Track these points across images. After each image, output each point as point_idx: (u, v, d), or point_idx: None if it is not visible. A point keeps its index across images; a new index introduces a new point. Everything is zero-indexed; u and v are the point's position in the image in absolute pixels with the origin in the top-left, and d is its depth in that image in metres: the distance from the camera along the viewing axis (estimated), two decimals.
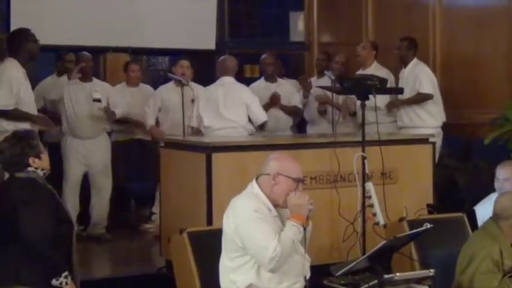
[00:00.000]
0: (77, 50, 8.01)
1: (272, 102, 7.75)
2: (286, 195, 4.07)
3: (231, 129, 6.78)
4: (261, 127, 7.03)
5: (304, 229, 4.03)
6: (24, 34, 6.18)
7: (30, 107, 6.18)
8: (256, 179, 4.18)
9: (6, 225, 4.13)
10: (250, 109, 6.93)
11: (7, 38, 6.40)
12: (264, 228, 3.98)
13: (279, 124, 7.79)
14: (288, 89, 7.99)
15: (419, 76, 7.38)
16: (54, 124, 6.78)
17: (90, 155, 7.30)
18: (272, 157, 4.21)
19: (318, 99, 8.04)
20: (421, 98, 7.35)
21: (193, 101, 7.18)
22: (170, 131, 7.38)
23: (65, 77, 7.51)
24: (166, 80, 8.11)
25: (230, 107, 6.90)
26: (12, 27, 8.09)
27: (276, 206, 4.12)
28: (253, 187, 4.15)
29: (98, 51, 9.18)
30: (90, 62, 7.41)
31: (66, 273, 4.15)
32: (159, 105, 7.57)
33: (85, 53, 7.49)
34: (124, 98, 7.74)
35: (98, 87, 7.35)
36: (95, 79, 7.50)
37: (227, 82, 7.04)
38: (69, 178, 7.26)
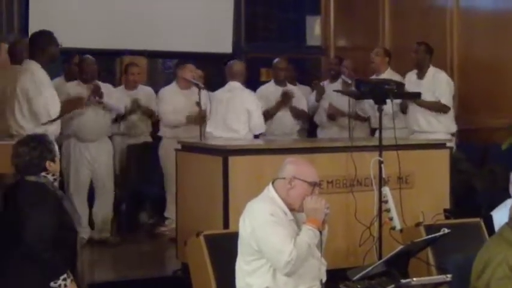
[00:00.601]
0: (94, 52, 8.03)
1: (283, 101, 7.74)
2: (302, 199, 4.06)
3: (224, 139, 6.76)
4: (257, 136, 7.08)
5: (320, 233, 4.03)
6: (48, 37, 6.16)
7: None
8: (273, 183, 4.18)
9: (13, 228, 4.16)
10: (252, 117, 6.97)
11: (29, 40, 6.38)
12: (280, 231, 3.98)
13: (286, 128, 7.82)
14: (296, 94, 8.00)
15: (441, 85, 7.32)
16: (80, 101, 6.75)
17: (94, 159, 7.26)
18: (288, 161, 4.21)
19: (330, 110, 8.02)
20: (438, 107, 7.31)
21: (198, 104, 7.16)
22: (173, 133, 7.39)
23: (71, 83, 7.44)
24: None
25: (233, 113, 6.95)
26: (31, 30, 8.14)
27: (292, 210, 4.12)
28: (270, 191, 4.15)
29: (114, 54, 9.23)
30: (94, 65, 7.36)
31: (64, 275, 4.16)
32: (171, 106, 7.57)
33: (88, 56, 7.44)
34: (120, 101, 7.63)
35: (102, 90, 7.29)
36: (98, 82, 7.42)
37: (234, 87, 7.08)
38: (76, 182, 7.20)
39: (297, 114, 7.92)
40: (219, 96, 7.10)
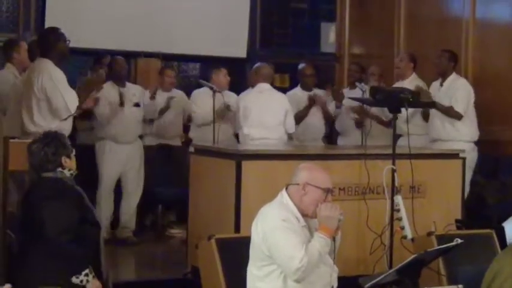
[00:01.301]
0: (109, 53, 8.08)
1: (310, 104, 7.79)
2: (316, 205, 4.05)
3: (268, 141, 6.87)
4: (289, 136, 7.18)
5: (334, 239, 4.02)
6: (56, 34, 6.15)
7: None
8: (286, 188, 4.18)
9: (34, 226, 4.17)
10: (287, 117, 7.09)
11: (38, 38, 6.39)
12: (292, 238, 3.97)
13: (313, 133, 7.85)
14: (324, 98, 8.06)
15: (458, 92, 7.29)
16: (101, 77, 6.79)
17: (127, 160, 7.35)
18: (302, 167, 4.20)
19: (354, 111, 8.02)
20: (451, 114, 7.28)
21: (228, 107, 7.24)
22: (201, 135, 7.46)
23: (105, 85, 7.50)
24: (197, 87, 8.16)
25: (270, 113, 7.04)
26: None
27: (305, 215, 4.12)
28: (283, 196, 4.14)
29: (129, 56, 9.25)
30: (125, 65, 7.46)
31: (87, 271, 4.18)
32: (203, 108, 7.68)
33: (119, 57, 7.53)
34: (157, 101, 7.81)
35: (135, 91, 7.40)
36: (128, 83, 7.53)
37: (264, 88, 7.14)
38: (106, 182, 7.31)
39: (327, 115, 8.00)
40: (251, 98, 7.16)
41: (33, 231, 4.20)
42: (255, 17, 10.04)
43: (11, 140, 4.96)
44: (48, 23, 8.49)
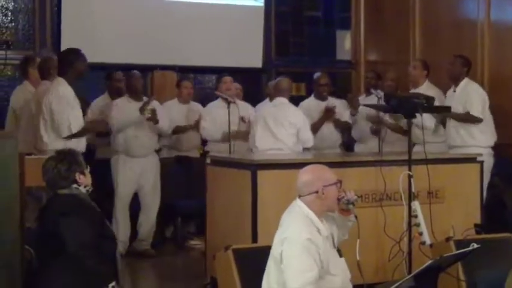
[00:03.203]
0: (125, 68, 8.12)
1: (326, 116, 7.79)
2: (336, 199, 4.10)
3: (279, 151, 6.91)
4: (306, 149, 7.21)
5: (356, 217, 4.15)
6: (75, 54, 6.24)
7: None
8: (299, 200, 4.14)
9: (52, 241, 4.19)
10: (301, 131, 7.13)
11: (58, 57, 6.47)
12: (306, 261, 3.94)
13: (329, 142, 7.86)
14: (338, 107, 8.05)
15: (471, 96, 7.25)
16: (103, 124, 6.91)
17: (142, 174, 7.38)
18: (307, 175, 4.18)
19: (369, 119, 8.00)
20: (469, 119, 7.24)
21: (242, 118, 7.27)
22: (217, 147, 7.47)
23: (121, 100, 7.50)
24: (213, 99, 8.18)
25: (281, 127, 7.09)
26: (63, 47, 8.25)
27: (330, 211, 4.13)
28: (302, 208, 4.10)
29: (145, 69, 9.30)
30: (141, 80, 7.50)
31: (113, 283, 4.19)
32: (213, 122, 7.71)
33: (135, 71, 7.56)
34: (172, 113, 7.86)
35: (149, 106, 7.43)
36: (144, 97, 7.56)
37: (280, 102, 7.23)
38: (122, 196, 7.32)
39: (341, 126, 8.00)
40: (266, 111, 7.29)
41: (52, 247, 4.22)
42: (270, 27, 10.05)
43: (27, 157, 5.01)
44: (64, 40, 8.56)
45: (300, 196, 4.15)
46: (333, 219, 4.23)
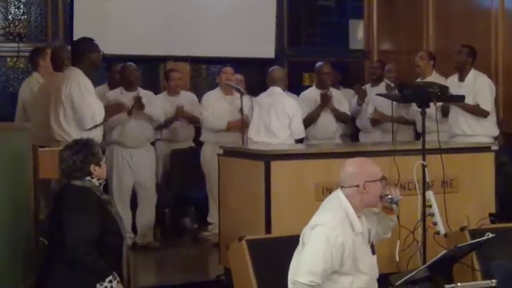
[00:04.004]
0: (137, 59, 8.11)
1: (323, 103, 7.72)
2: (379, 196, 4.05)
3: (266, 145, 6.78)
4: (299, 141, 7.11)
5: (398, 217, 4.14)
6: (89, 44, 6.20)
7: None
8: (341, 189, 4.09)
9: (59, 233, 4.22)
10: (292, 121, 7.01)
11: (72, 47, 6.44)
12: (323, 252, 3.90)
13: (329, 133, 7.79)
14: (337, 97, 7.98)
15: (482, 89, 7.22)
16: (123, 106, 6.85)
17: (137, 165, 7.30)
18: (352, 167, 4.11)
19: (376, 115, 7.96)
20: (478, 112, 7.21)
21: (240, 110, 7.19)
22: (215, 138, 7.42)
23: (113, 91, 7.48)
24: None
25: (274, 118, 7.01)
26: (75, 37, 8.24)
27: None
28: (341, 199, 4.04)
29: (158, 61, 9.30)
30: (136, 71, 7.42)
31: (110, 277, 4.21)
32: (212, 112, 7.60)
33: (130, 63, 7.50)
34: (163, 107, 7.73)
35: (144, 96, 7.33)
36: (139, 88, 7.44)
37: (274, 92, 7.14)
38: (119, 188, 7.24)
39: (339, 116, 7.89)
40: (260, 101, 7.18)
41: (58, 238, 4.25)
42: (282, 16, 10.03)
43: (40, 149, 5.02)
44: (76, 31, 8.55)
45: (342, 187, 4.09)
46: (375, 215, 4.19)
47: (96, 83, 7.94)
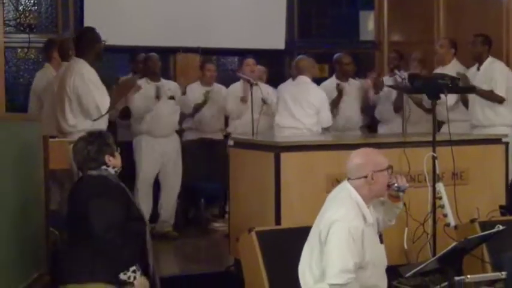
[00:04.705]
0: (148, 50, 8.12)
1: (340, 95, 7.76)
2: (386, 185, 4.06)
3: (297, 130, 6.94)
4: (325, 130, 7.21)
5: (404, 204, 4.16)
6: (93, 34, 6.16)
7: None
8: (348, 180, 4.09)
9: (81, 223, 4.21)
10: (320, 112, 7.10)
11: (76, 37, 6.41)
12: (349, 248, 3.89)
13: (350, 123, 7.83)
14: (358, 88, 8.03)
15: (496, 75, 7.19)
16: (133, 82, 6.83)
17: (164, 155, 7.41)
18: (358, 157, 4.11)
19: (415, 100, 7.92)
20: (493, 98, 7.17)
21: (263, 100, 7.25)
22: (238, 129, 7.47)
23: (139, 82, 7.55)
24: (235, 80, 8.17)
25: (300, 107, 7.08)
26: None
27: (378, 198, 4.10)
28: (350, 191, 4.04)
29: (168, 52, 9.30)
30: (158, 62, 7.52)
31: (134, 267, 4.21)
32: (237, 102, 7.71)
33: (153, 54, 7.59)
34: (194, 96, 7.88)
35: (170, 87, 7.48)
36: (162, 79, 7.56)
37: (302, 82, 7.20)
38: (144, 177, 7.35)
39: (367, 104, 7.99)
40: (286, 90, 7.27)
41: (80, 228, 4.25)
42: (293, 8, 10.00)
43: (51, 140, 5.03)
44: (87, 22, 8.55)
45: (349, 179, 4.09)
46: (381, 204, 4.19)
47: (119, 73, 8.06)
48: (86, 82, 5.93)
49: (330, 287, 3.89)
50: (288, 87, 7.34)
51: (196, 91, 8.01)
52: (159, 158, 7.40)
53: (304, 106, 7.07)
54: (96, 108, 5.92)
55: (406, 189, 4.17)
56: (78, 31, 6.33)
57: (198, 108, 7.90)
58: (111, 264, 4.19)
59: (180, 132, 7.99)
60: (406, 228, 4.23)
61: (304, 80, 7.21)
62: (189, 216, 8.15)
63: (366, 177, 4.01)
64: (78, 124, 5.84)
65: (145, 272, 4.34)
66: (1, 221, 4.09)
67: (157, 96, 7.32)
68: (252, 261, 4.86)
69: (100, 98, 5.94)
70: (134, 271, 4.21)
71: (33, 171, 4.74)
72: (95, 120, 5.90)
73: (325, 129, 7.20)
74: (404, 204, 4.21)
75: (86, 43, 6.08)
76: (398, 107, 7.87)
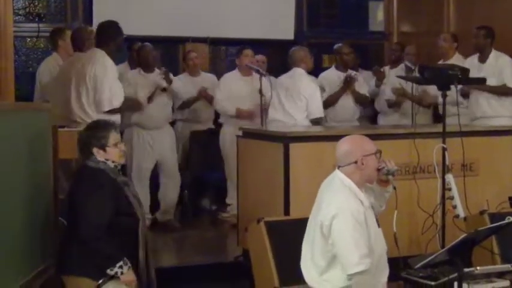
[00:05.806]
0: (157, 40, 8.11)
1: (346, 84, 7.71)
2: (376, 169, 4.08)
3: (283, 124, 6.81)
4: (316, 122, 7.03)
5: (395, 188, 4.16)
6: (116, 27, 6.20)
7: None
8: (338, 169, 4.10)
9: (74, 214, 4.24)
10: (309, 101, 6.95)
11: (98, 29, 6.39)
12: (359, 234, 3.90)
13: (347, 115, 7.77)
14: (358, 79, 7.93)
15: (505, 68, 7.16)
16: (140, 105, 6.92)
17: (158, 145, 7.32)
18: (346, 145, 4.13)
19: (394, 92, 7.94)
20: (505, 91, 7.15)
21: (260, 91, 7.16)
22: (234, 120, 7.41)
23: (132, 72, 7.50)
24: None
25: (291, 99, 6.98)
26: (95, 19, 8.26)
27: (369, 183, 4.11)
28: (344, 180, 4.05)
29: (177, 41, 9.29)
30: (152, 51, 7.43)
31: (121, 263, 4.20)
32: (228, 94, 7.54)
33: (147, 44, 7.50)
34: (185, 87, 7.78)
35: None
36: (156, 69, 7.45)
37: (295, 73, 7.11)
38: (138, 169, 7.26)
39: (359, 99, 7.85)
40: (281, 82, 7.17)
41: (73, 220, 4.28)
42: None
43: (60, 129, 5.03)
44: (96, 12, 8.57)
45: (339, 167, 4.10)
46: (371, 190, 4.20)
47: (117, 61, 8.03)
48: (105, 74, 5.94)
49: (353, 276, 3.89)
50: (282, 79, 7.21)
51: (182, 82, 7.87)
52: (153, 150, 7.30)
53: (295, 98, 6.93)
54: (108, 100, 5.92)
55: (396, 172, 4.19)
56: (101, 23, 6.33)
57: (188, 103, 7.83)
58: (97, 262, 4.21)
59: (189, 122, 7.97)
60: (396, 211, 4.21)
61: (299, 72, 7.08)
62: (198, 207, 8.14)
63: (356, 162, 4.04)
64: (92, 114, 5.85)
65: (137, 268, 4.33)
66: (11, 211, 4.09)
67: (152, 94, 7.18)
68: (261, 252, 4.86)
69: (116, 91, 5.94)
70: (121, 266, 4.20)
71: (42, 160, 4.73)
72: (104, 112, 5.90)
73: (316, 122, 7.04)
74: (394, 188, 4.20)
75: (108, 35, 6.12)
76: (391, 104, 7.96)
